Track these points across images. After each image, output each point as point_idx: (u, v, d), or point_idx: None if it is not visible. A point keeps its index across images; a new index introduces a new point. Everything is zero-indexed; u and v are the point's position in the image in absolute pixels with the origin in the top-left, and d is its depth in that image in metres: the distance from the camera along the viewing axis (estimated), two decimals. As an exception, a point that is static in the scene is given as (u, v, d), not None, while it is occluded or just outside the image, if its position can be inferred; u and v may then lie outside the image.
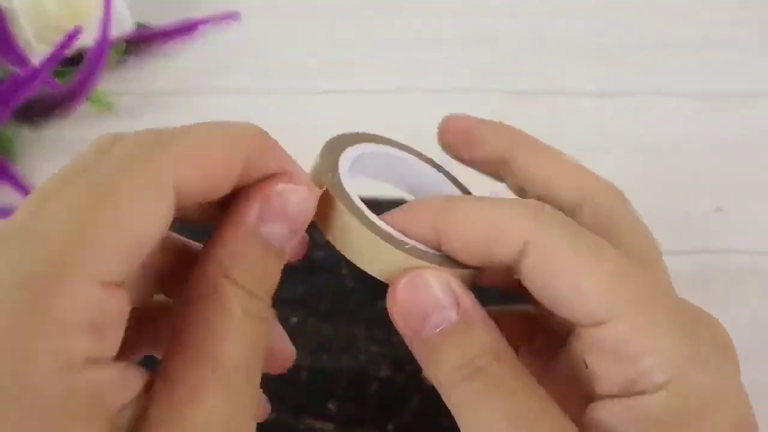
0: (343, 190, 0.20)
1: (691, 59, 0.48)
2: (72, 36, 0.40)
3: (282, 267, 0.19)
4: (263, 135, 0.19)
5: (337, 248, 0.19)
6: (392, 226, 0.20)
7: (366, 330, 0.32)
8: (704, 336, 0.19)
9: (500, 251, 0.18)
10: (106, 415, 0.14)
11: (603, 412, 0.17)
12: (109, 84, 0.44)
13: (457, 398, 0.18)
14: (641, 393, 0.17)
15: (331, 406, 0.29)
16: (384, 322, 0.32)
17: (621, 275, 0.17)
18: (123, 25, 0.45)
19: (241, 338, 0.16)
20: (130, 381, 0.15)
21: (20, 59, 0.40)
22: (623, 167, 0.40)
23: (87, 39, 0.41)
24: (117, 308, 0.14)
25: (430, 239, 0.19)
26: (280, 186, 0.18)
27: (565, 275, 0.17)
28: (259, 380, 0.17)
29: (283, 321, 0.32)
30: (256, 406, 0.16)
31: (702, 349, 0.18)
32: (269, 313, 0.18)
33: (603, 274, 0.17)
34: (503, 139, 0.24)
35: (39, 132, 0.42)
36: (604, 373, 0.17)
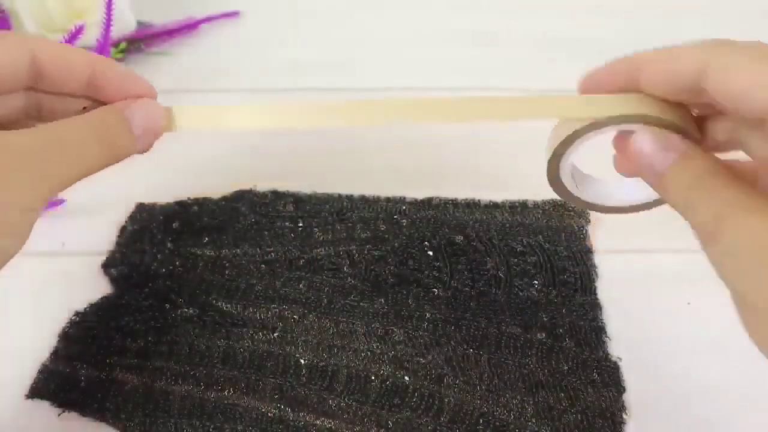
0: None
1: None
2: (74, 35, 0.40)
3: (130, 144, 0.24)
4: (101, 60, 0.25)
5: None
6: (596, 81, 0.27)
7: (366, 327, 0.32)
8: None
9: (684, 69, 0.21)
10: None
11: None
12: (111, 83, 0.44)
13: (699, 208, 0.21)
14: None
15: (330, 403, 0.29)
16: (384, 320, 0.32)
17: None
18: (124, 24, 0.45)
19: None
20: None
21: (22, 58, 0.40)
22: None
23: (89, 38, 0.41)
24: None
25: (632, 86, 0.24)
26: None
27: (744, 77, 0.19)
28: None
29: (284, 318, 0.32)
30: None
31: None
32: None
33: None
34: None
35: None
36: None
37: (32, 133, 0.22)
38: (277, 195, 0.38)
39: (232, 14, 0.51)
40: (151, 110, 0.25)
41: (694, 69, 0.21)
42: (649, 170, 0.23)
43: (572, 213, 0.37)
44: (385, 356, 0.31)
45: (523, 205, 0.37)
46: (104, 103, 0.25)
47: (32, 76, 0.24)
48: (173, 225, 0.36)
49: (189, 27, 0.49)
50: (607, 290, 0.34)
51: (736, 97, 0.20)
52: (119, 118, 0.24)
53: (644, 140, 0.22)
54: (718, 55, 0.20)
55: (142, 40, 0.47)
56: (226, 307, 0.32)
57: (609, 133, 0.24)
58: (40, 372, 0.30)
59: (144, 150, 0.25)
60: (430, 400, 0.29)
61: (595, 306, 0.33)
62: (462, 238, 0.35)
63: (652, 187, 0.23)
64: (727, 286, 0.20)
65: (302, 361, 0.31)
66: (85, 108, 0.25)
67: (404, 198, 0.38)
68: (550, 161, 0.26)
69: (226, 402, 0.29)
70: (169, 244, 0.35)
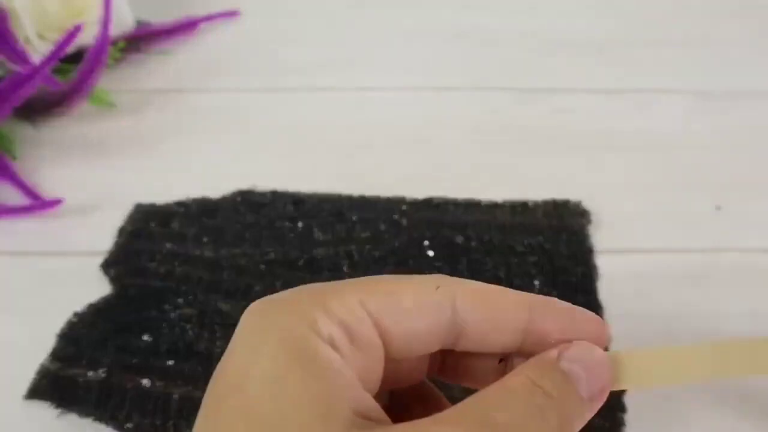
0: None
1: (691, 57, 0.48)
2: (72, 34, 0.40)
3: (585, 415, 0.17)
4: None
5: None
6: None
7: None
8: None
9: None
10: None
11: None
12: (109, 82, 0.44)
13: None
14: None
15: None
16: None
17: None
18: (123, 23, 0.45)
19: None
20: None
21: (20, 57, 0.40)
22: (623, 165, 0.41)
23: (87, 37, 0.41)
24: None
25: None
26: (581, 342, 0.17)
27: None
28: None
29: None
30: None
31: None
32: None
33: None
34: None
35: (39, 130, 0.42)
36: None
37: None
38: (277, 195, 0.38)
39: (232, 14, 0.51)
40: (598, 360, 0.17)
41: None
42: None
43: (573, 213, 0.37)
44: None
45: (524, 205, 0.37)
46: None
47: (450, 334, 0.17)
48: (173, 225, 0.36)
49: (188, 26, 0.48)
50: (607, 290, 0.34)
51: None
52: (562, 377, 0.17)
53: None
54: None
55: (141, 39, 0.47)
56: (226, 307, 0.32)
57: None
58: (39, 372, 0.30)
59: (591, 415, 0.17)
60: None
61: (596, 306, 0.33)
62: (462, 238, 0.35)
63: None
64: None
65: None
66: (501, 360, 0.19)
67: (404, 198, 0.37)
68: None
69: (226, 402, 0.29)
70: (168, 244, 0.35)
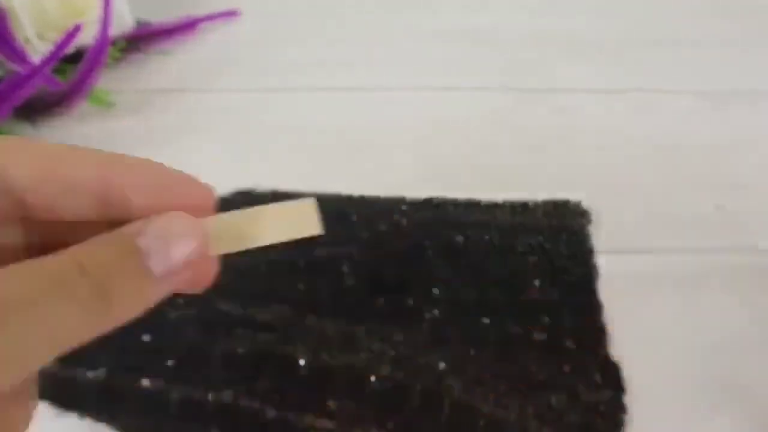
0: None
1: (691, 57, 0.48)
2: (72, 34, 0.40)
3: (156, 293, 0.16)
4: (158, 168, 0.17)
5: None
6: None
7: (366, 327, 0.32)
8: None
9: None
10: None
11: None
12: (109, 81, 0.44)
13: None
14: None
15: (330, 403, 0.29)
16: (384, 320, 0.32)
17: None
18: (123, 22, 0.45)
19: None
20: None
21: (20, 57, 0.40)
22: (623, 165, 0.41)
23: (87, 37, 0.41)
24: None
25: None
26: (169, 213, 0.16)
27: None
28: None
29: (284, 318, 0.32)
30: None
31: None
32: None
33: None
34: None
35: (39, 130, 0.42)
36: None
37: None
38: (277, 195, 0.38)
39: (232, 13, 0.51)
40: (174, 232, 0.16)
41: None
42: None
43: (573, 213, 0.37)
44: (385, 356, 0.31)
45: (524, 205, 0.37)
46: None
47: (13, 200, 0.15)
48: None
49: (188, 26, 0.48)
50: (607, 290, 0.34)
51: None
52: (129, 256, 0.15)
53: None
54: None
55: (141, 39, 0.47)
56: (226, 308, 0.32)
57: None
58: (38, 372, 0.30)
59: (176, 290, 0.17)
60: (430, 400, 0.29)
61: (596, 306, 0.33)
62: (462, 238, 0.35)
63: None
64: None
65: (302, 361, 0.31)
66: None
67: (404, 198, 0.37)
68: None
69: (225, 402, 0.29)
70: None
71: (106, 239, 0.15)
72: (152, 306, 0.16)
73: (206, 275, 0.18)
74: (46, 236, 0.16)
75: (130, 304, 0.16)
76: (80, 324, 0.15)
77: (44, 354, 0.15)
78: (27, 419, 0.16)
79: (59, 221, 0.16)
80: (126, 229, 0.15)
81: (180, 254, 0.16)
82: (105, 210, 0.16)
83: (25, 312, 0.13)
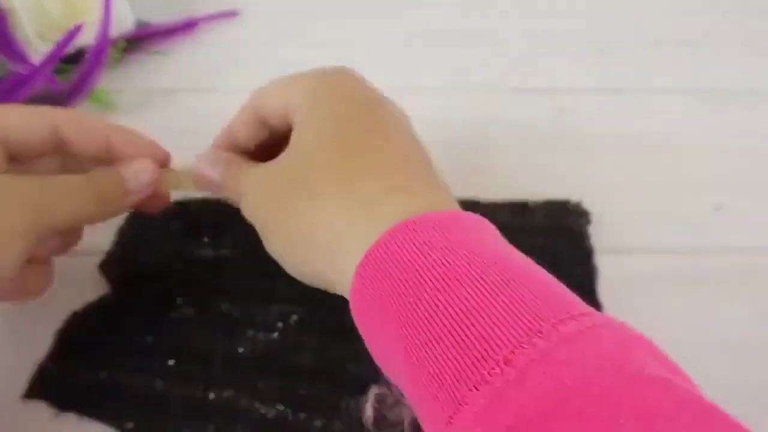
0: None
1: (691, 57, 0.48)
2: (72, 34, 0.40)
3: (129, 200, 0.29)
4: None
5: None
6: None
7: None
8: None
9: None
10: None
11: None
12: (110, 82, 0.44)
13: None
14: None
15: (331, 403, 0.29)
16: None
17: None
18: (123, 23, 0.45)
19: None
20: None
21: (21, 57, 0.40)
22: (623, 165, 0.41)
23: (87, 37, 0.41)
24: None
25: None
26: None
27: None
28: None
29: (286, 317, 0.32)
30: None
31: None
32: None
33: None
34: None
35: (39, 130, 0.42)
36: None
37: (39, 180, 0.26)
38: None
39: (232, 14, 0.51)
40: (142, 170, 0.30)
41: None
42: (212, 184, 0.30)
43: (573, 213, 0.37)
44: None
45: (524, 205, 0.37)
46: None
47: (56, 142, 0.29)
48: (173, 225, 0.36)
49: (188, 26, 0.48)
50: (607, 291, 0.34)
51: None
52: (116, 180, 0.29)
53: (201, 166, 0.30)
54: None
55: (141, 40, 0.47)
56: (226, 308, 0.32)
57: None
58: (37, 372, 0.30)
59: (134, 206, 0.30)
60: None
61: (596, 306, 0.33)
62: (462, 238, 0.35)
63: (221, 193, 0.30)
64: (253, 222, 0.27)
65: (302, 362, 0.31)
66: None
67: None
68: None
69: (226, 402, 0.29)
70: (168, 245, 0.35)
71: (108, 171, 0.29)
72: (126, 209, 0.30)
73: (160, 201, 0.32)
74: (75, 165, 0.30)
75: (115, 206, 0.29)
76: (87, 212, 0.28)
77: (65, 223, 0.27)
78: (47, 283, 0.30)
79: (82, 156, 0.30)
80: (117, 166, 0.30)
81: (143, 179, 0.29)
82: (108, 155, 0.30)
83: (60, 198, 0.27)
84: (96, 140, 0.29)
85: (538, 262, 0.35)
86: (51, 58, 0.39)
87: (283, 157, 0.26)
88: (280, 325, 0.32)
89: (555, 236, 0.35)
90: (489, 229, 0.23)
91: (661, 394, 0.16)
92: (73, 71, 0.41)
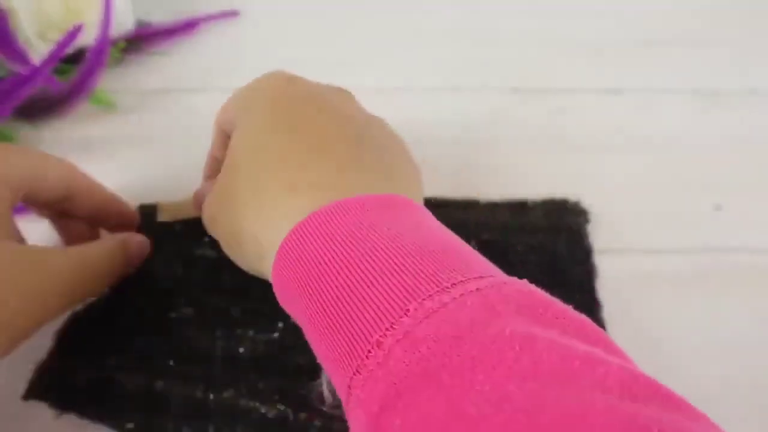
0: None
1: (691, 57, 0.48)
2: (72, 34, 0.40)
3: (130, 263, 0.32)
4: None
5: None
6: None
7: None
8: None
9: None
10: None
11: None
12: (110, 82, 0.44)
13: None
14: None
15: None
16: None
17: None
18: (123, 23, 0.45)
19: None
20: None
21: (20, 57, 0.40)
22: (623, 165, 0.41)
23: (87, 37, 0.41)
24: None
25: None
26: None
27: None
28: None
29: (286, 317, 0.32)
30: None
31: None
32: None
33: None
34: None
35: (39, 130, 0.42)
36: None
37: (72, 256, 0.28)
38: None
39: (232, 14, 0.51)
40: (142, 243, 0.33)
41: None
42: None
43: (571, 212, 0.37)
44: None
45: (523, 204, 0.37)
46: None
47: (66, 196, 0.31)
48: (173, 225, 0.36)
49: (188, 26, 0.49)
50: (607, 290, 0.34)
51: None
52: (123, 249, 0.31)
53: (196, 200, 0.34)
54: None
55: (141, 40, 0.47)
56: (226, 308, 0.32)
57: None
58: (37, 373, 0.30)
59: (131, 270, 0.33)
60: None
61: (596, 306, 0.33)
62: (461, 237, 0.35)
63: None
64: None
65: (302, 362, 0.31)
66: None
67: None
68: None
69: (226, 402, 0.29)
70: (168, 245, 0.35)
71: (118, 237, 0.32)
72: (129, 269, 0.32)
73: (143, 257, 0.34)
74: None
75: (125, 267, 0.32)
76: (109, 276, 0.31)
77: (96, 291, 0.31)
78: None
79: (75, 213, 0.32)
80: (120, 236, 0.32)
81: (139, 251, 0.32)
82: (99, 215, 0.33)
83: (100, 260, 0.30)
84: (95, 200, 0.32)
85: (538, 261, 0.35)
86: (51, 58, 0.39)
87: (221, 171, 0.28)
88: (280, 325, 0.32)
89: (554, 235, 0.36)
90: (398, 205, 0.24)
91: (519, 353, 0.17)
92: (73, 71, 0.41)
